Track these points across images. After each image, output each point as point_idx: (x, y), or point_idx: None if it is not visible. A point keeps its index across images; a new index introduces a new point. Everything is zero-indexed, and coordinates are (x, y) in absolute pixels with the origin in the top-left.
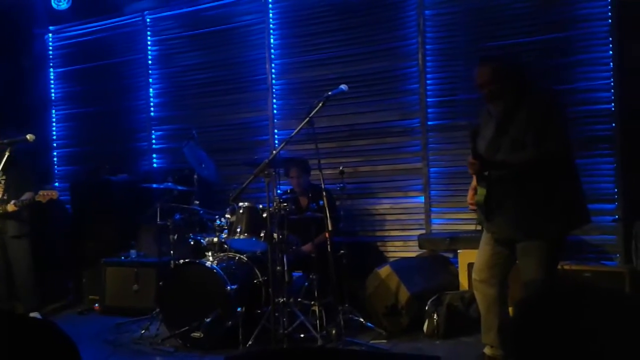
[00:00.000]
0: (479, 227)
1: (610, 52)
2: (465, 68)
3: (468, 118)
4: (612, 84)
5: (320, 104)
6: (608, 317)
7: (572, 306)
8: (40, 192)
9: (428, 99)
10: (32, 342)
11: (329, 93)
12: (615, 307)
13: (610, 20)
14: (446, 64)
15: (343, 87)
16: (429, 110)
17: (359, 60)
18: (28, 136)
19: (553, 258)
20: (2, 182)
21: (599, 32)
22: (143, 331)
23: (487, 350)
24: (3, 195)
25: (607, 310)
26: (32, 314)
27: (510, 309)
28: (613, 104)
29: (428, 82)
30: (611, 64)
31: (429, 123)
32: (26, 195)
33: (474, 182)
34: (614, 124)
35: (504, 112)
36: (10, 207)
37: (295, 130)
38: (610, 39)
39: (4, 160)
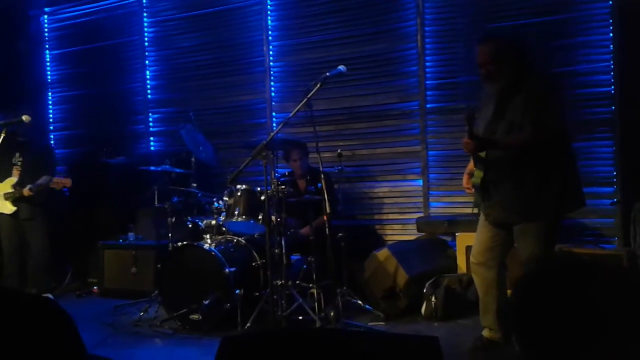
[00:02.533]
0: (475, 211)
1: (611, 35)
2: (464, 50)
3: (467, 101)
4: (611, 66)
5: (319, 85)
6: (609, 292)
7: (573, 281)
8: (55, 180)
9: (427, 82)
10: (27, 318)
11: (327, 74)
12: (616, 281)
13: (610, 2)
14: (445, 46)
15: (341, 68)
16: (428, 92)
17: (357, 42)
18: (24, 117)
19: (550, 240)
20: (19, 164)
21: (599, 14)
22: (142, 313)
23: (485, 333)
24: (19, 179)
25: (607, 284)
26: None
27: (508, 291)
28: (613, 87)
29: (427, 64)
30: (611, 46)
31: (428, 106)
32: (42, 180)
33: (469, 167)
34: (613, 107)
35: (501, 94)
36: (26, 191)
37: (293, 112)
38: (611, 21)
39: None
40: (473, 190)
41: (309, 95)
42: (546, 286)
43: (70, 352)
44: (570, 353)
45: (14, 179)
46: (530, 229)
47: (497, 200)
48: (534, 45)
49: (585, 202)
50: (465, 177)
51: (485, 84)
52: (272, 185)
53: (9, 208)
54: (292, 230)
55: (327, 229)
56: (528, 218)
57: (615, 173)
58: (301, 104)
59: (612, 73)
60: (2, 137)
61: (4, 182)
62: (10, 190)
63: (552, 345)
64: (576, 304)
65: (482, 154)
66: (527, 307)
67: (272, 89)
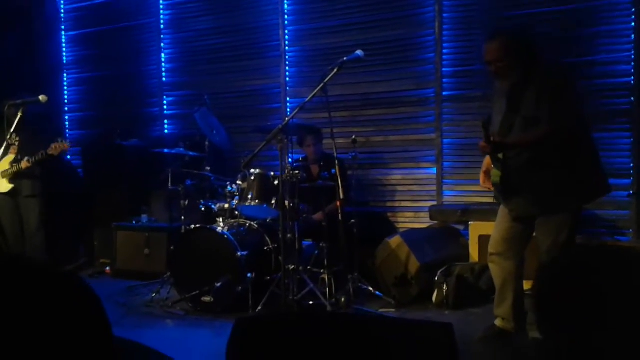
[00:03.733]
0: (496, 202)
1: (633, 24)
2: (483, 37)
3: (484, 89)
4: (632, 56)
5: (336, 70)
6: (637, 280)
7: (600, 268)
8: (52, 145)
9: (443, 69)
10: (54, 293)
11: (345, 59)
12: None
13: None
14: (463, 33)
15: (359, 52)
16: (444, 80)
17: (374, 28)
18: (41, 97)
19: (572, 230)
20: (16, 143)
21: (622, 3)
22: (154, 294)
23: (498, 322)
24: (17, 155)
25: (635, 272)
26: None
27: (524, 282)
28: (633, 78)
29: (444, 51)
30: (632, 36)
31: (444, 93)
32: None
33: (485, 165)
34: (632, 98)
35: (513, 89)
36: (24, 163)
37: (310, 96)
38: (633, 10)
39: (16, 121)
40: (493, 188)
41: (325, 80)
42: (572, 273)
43: (97, 332)
44: (595, 340)
45: (11, 157)
46: (553, 220)
47: (519, 197)
48: (554, 34)
49: (611, 189)
50: (482, 176)
51: (497, 80)
52: (286, 170)
53: (5, 186)
54: (304, 216)
55: (339, 215)
56: (552, 210)
57: (632, 165)
58: (318, 88)
59: (632, 63)
60: (19, 116)
61: (1, 161)
62: (8, 167)
63: (577, 331)
64: (603, 290)
65: (499, 155)
66: (552, 293)
67: (287, 73)
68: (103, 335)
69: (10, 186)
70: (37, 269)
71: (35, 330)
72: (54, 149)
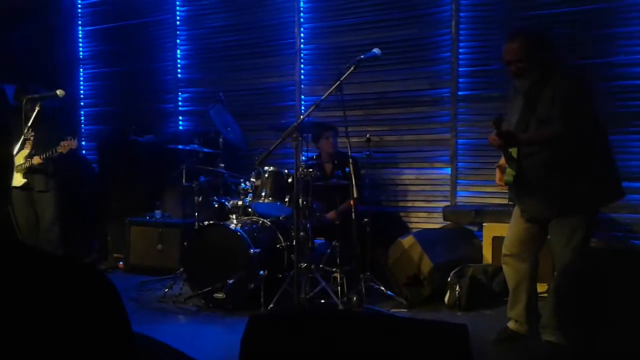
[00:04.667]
0: (510, 203)
1: None
2: (500, 37)
3: (500, 89)
4: None
5: (352, 68)
6: None
7: (620, 270)
8: (61, 143)
9: (460, 69)
10: (74, 286)
11: (361, 56)
12: None
13: None
14: (480, 32)
15: (376, 50)
16: (460, 80)
17: (390, 27)
18: (58, 92)
19: (586, 233)
20: (31, 138)
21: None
22: (167, 290)
23: (511, 325)
24: (31, 150)
25: None
26: None
27: (538, 285)
28: None
29: (460, 50)
30: None
31: (460, 93)
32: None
33: (501, 161)
34: None
35: (531, 89)
36: (36, 159)
37: (326, 94)
38: None
39: (34, 115)
40: (506, 187)
41: (342, 78)
42: (594, 276)
43: (116, 326)
44: (616, 341)
45: (26, 151)
46: (566, 222)
47: (533, 198)
48: (571, 35)
49: (624, 193)
50: (497, 173)
51: (515, 80)
52: (300, 168)
53: (19, 180)
54: (317, 214)
55: (353, 214)
56: (565, 212)
57: None
58: (334, 86)
59: None
60: (37, 110)
61: (17, 155)
62: (22, 162)
63: (598, 333)
64: (623, 294)
65: (514, 153)
66: (574, 295)
67: (302, 71)
68: (121, 328)
69: (24, 181)
70: (56, 261)
71: (54, 320)
72: (63, 147)
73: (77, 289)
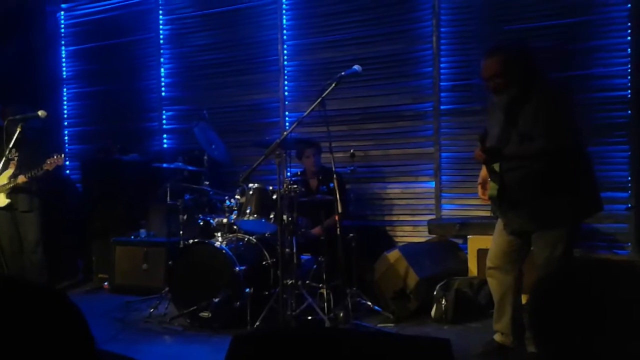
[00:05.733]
0: (493, 215)
1: (629, 38)
2: (480, 52)
3: (482, 103)
4: (629, 70)
5: (334, 84)
6: (631, 292)
7: (595, 282)
8: (48, 161)
9: (441, 83)
10: (35, 310)
11: (342, 73)
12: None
13: (629, 5)
14: (461, 47)
15: (356, 67)
16: (442, 94)
17: (372, 43)
18: (40, 112)
19: (568, 245)
20: (15, 158)
21: (618, 17)
22: (152, 310)
23: (497, 337)
24: (15, 170)
25: (630, 285)
26: None
27: (523, 296)
28: (629, 91)
29: (442, 65)
30: (629, 50)
31: (442, 107)
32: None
33: (482, 175)
34: (629, 112)
35: (511, 104)
36: (21, 178)
37: (307, 111)
38: (629, 24)
39: (15, 136)
40: (490, 201)
41: (323, 95)
42: (567, 287)
43: (79, 347)
44: (589, 353)
45: (10, 171)
46: (548, 234)
47: (515, 211)
48: (551, 48)
49: (603, 207)
50: (479, 188)
51: (494, 96)
52: (284, 185)
53: (2, 200)
54: (303, 230)
55: (338, 229)
56: (546, 226)
57: (630, 178)
58: (316, 103)
59: (629, 77)
60: (18, 131)
61: (0, 176)
62: (6, 182)
63: (571, 345)
64: (597, 304)
65: (496, 167)
66: (547, 307)
67: (286, 88)
68: (85, 350)
69: (7, 201)
70: (17, 285)
71: (16, 345)
72: (50, 164)
73: (40, 313)
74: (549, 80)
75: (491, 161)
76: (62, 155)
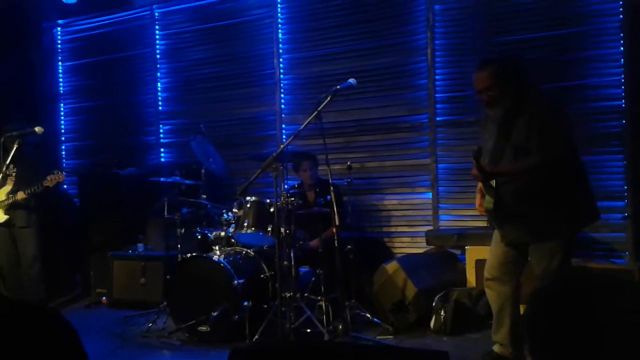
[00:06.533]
0: (490, 226)
1: (622, 49)
2: (474, 64)
3: (477, 114)
4: (622, 80)
5: (329, 98)
6: (625, 306)
7: (589, 295)
8: (48, 177)
9: (437, 95)
10: (27, 328)
11: (338, 87)
12: (631, 296)
13: (621, 16)
14: (455, 59)
15: (352, 81)
16: (438, 106)
17: (367, 55)
18: (37, 128)
19: (565, 256)
20: (13, 174)
21: (610, 28)
22: (150, 324)
23: (496, 348)
24: (14, 187)
25: (623, 299)
26: None
27: (521, 307)
28: (623, 101)
29: (437, 77)
30: (622, 60)
31: (438, 119)
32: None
33: (479, 186)
34: (624, 121)
35: (504, 117)
36: (20, 195)
37: (304, 124)
38: (622, 34)
39: (12, 152)
40: (487, 213)
41: (319, 108)
42: (563, 299)
43: None
44: None
45: (8, 187)
46: (545, 246)
47: (511, 224)
48: (545, 59)
49: (600, 216)
50: (477, 198)
51: (487, 109)
52: (282, 197)
53: (0, 216)
54: (301, 243)
55: (336, 242)
56: (543, 238)
57: (626, 187)
58: (312, 116)
59: (622, 87)
60: (15, 147)
61: None
62: (4, 198)
63: (567, 356)
64: (594, 316)
65: (492, 183)
66: (543, 319)
67: (282, 101)
68: None
69: (6, 217)
70: (9, 304)
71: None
72: (50, 180)
73: (33, 332)
74: (541, 92)
75: (489, 179)
76: (63, 173)
